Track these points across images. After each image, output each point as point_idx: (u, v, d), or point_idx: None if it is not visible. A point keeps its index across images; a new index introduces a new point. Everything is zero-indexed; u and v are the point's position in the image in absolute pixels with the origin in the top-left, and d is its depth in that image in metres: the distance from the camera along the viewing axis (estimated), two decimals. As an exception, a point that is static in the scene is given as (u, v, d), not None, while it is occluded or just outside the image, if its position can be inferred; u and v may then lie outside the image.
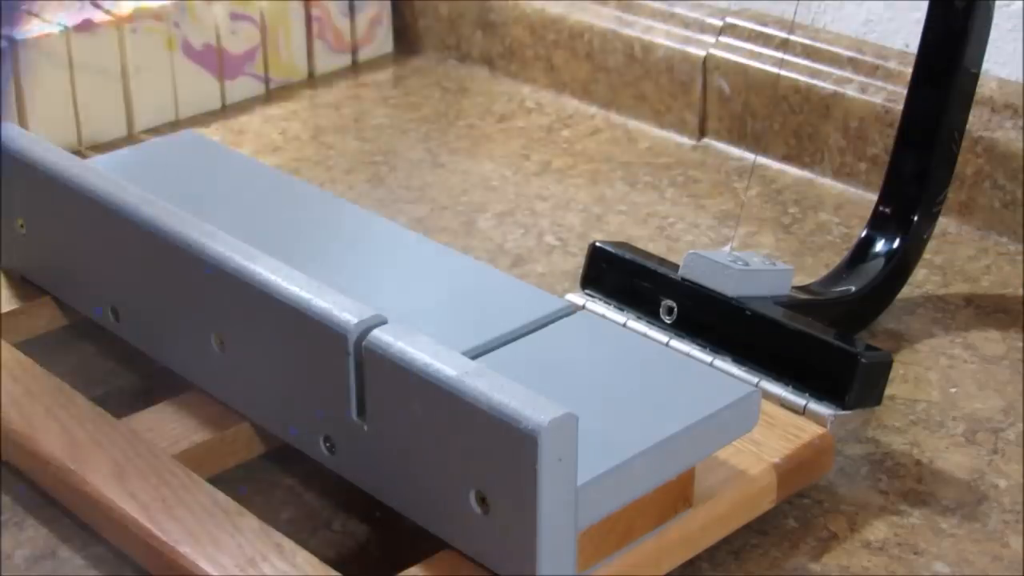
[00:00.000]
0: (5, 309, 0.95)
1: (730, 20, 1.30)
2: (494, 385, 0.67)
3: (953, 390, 0.95)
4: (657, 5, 1.35)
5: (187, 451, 0.82)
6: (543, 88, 1.43)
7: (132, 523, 0.75)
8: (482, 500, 0.69)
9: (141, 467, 0.79)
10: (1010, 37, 1.14)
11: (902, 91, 1.04)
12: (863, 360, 0.84)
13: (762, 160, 1.27)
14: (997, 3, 1.01)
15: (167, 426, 0.84)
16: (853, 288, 0.99)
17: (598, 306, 0.95)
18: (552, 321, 0.82)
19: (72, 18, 1.26)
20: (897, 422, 0.91)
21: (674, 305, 0.92)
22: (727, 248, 0.97)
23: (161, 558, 0.74)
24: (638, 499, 0.72)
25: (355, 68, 1.50)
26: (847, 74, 1.22)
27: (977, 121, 1.12)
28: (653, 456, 0.71)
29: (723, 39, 1.30)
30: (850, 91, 1.21)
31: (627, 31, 1.35)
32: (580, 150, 1.31)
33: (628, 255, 0.95)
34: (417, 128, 1.36)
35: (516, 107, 1.40)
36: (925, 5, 0.98)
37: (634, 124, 1.36)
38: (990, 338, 1.00)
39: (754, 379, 0.87)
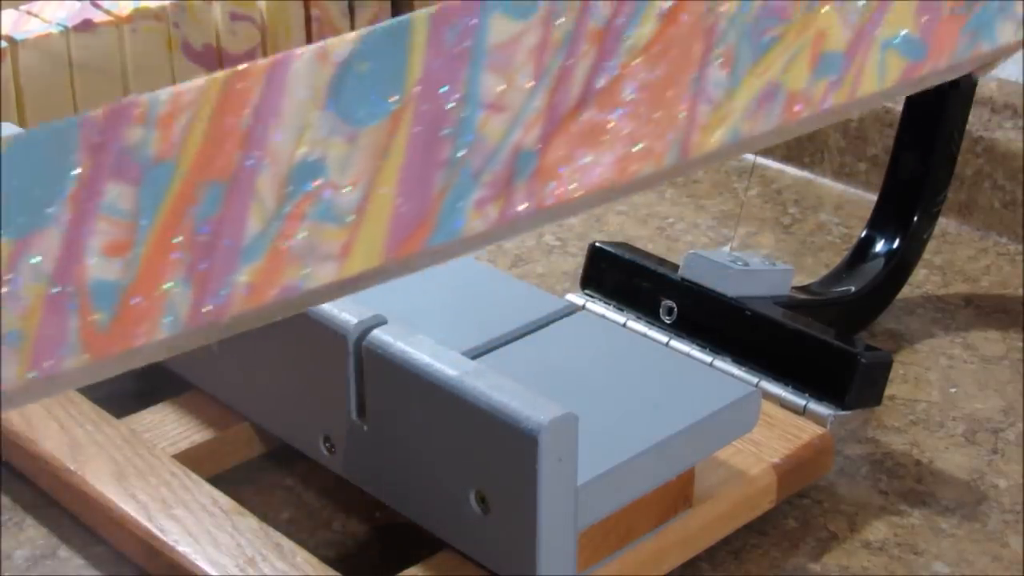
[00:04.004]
0: (5, 309, 0.95)
1: (730, 20, 1.30)
2: (494, 385, 0.67)
3: (953, 390, 0.95)
4: (657, 5, 1.35)
5: (187, 451, 0.82)
6: (543, 88, 1.43)
7: (132, 523, 0.75)
8: (482, 500, 0.68)
9: (141, 467, 0.79)
10: (1010, 37, 1.14)
11: (902, 91, 1.03)
12: (863, 360, 0.84)
13: (762, 160, 1.27)
14: (997, 3, 1.01)
15: (167, 426, 0.84)
16: (853, 288, 0.99)
17: (598, 306, 0.95)
18: (552, 321, 0.82)
19: (72, 18, 1.26)
20: (897, 422, 0.91)
21: (674, 305, 0.92)
22: (727, 248, 0.97)
23: (161, 558, 0.74)
24: (638, 499, 0.72)
25: (355, 68, 1.50)
26: (847, 74, 1.21)
27: (977, 121, 1.12)
28: (653, 456, 0.71)
29: (723, 39, 1.30)
30: (850, 91, 1.21)
31: (627, 31, 1.35)
32: (580, 150, 1.31)
33: (628, 255, 0.95)
34: (417, 128, 1.36)
35: (516, 107, 1.40)
36: (925, 5, 0.98)
37: (634, 124, 1.36)
38: (990, 338, 1.00)
39: (754, 379, 0.87)
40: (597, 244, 0.97)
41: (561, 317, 0.82)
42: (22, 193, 0.37)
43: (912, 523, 0.82)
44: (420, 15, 0.42)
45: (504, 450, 0.66)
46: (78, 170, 0.38)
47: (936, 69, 0.46)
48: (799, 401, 0.85)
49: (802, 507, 0.83)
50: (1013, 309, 1.04)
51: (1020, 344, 0.99)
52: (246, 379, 0.82)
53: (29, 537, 0.81)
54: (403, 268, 0.47)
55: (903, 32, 0.45)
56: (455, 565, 0.72)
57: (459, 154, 0.43)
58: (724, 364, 0.88)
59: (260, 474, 0.86)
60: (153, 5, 1.31)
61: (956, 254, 1.12)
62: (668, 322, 0.92)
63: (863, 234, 1.02)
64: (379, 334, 0.72)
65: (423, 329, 0.73)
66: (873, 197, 1.03)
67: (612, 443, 0.70)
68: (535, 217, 0.45)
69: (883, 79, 0.45)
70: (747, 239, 1.15)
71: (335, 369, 0.74)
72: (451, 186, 0.43)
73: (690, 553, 0.77)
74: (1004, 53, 0.49)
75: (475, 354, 0.77)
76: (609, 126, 0.44)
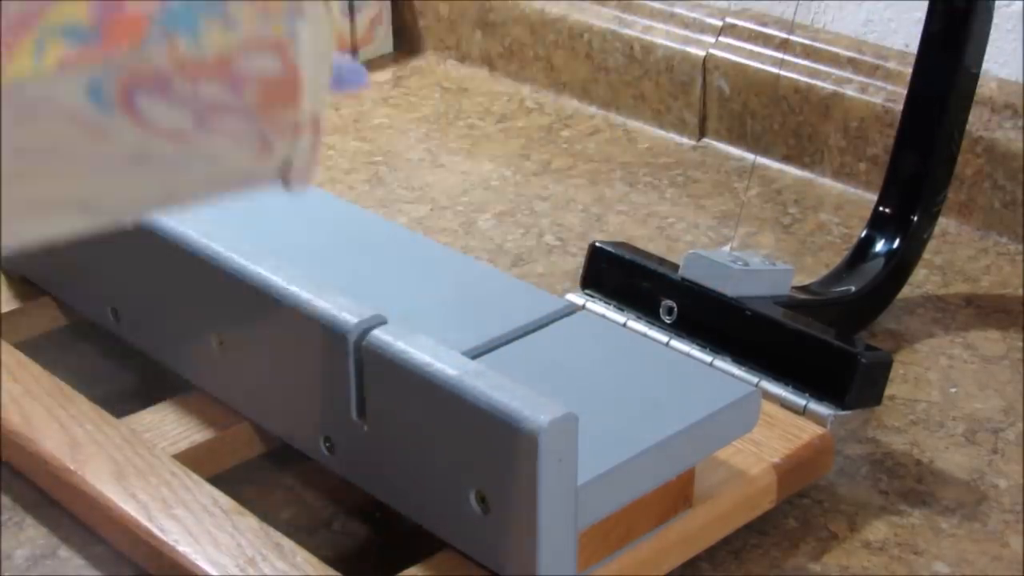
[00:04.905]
0: (5, 309, 0.95)
1: (730, 20, 1.30)
2: (494, 385, 0.67)
3: (953, 390, 0.95)
4: (657, 5, 1.35)
5: (187, 451, 0.82)
6: (543, 88, 1.43)
7: (132, 523, 0.75)
8: (482, 500, 0.68)
9: (141, 467, 0.79)
10: (1010, 37, 1.14)
11: (902, 91, 1.04)
12: (863, 360, 0.84)
13: (762, 160, 1.27)
14: (997, 3, 1.01)
15: (167, 426, 0.84)
16: (853, 288, 0.99)
17: (598, 306, 0.95)
18: (552, 321, 0.82)
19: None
20: (897, 422, 0.91)
21: (674, 305, 0.92)
22: (727, 248, 0.97)
23: (161, 558, 0.74)
24: (638, 499, 0.72)
25: (355, 68, 1.50)
26: (847, 74, 1.22)
27: (977, 121, 1.12)
28: (653, 456, 0.71)
29: (723, 39, 1.30)
30: (850, 91, 1.21)
31: (627, 31, 1.35)
32: (580, 150, 1.31)
33: (628, 255, 0.95)
34: (417, 128, 1.36)
35: (516, 107, 1.40)
36: (925, 5, 0.98)
37: (634, 124, 1.36)
38: (990, 338, 1.00)
39: (754, 379, 0.87)
40: (597, 244, 0.97)
41: (561, 317, 0.82)
42: None
43: (912, 523, 0.82)
44: None
45: (504, 450, 0.66)
46: None
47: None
48: (799, 401, 0.85)
49: (802, 507, 0.83)
50: (1013, 309, 1.04)
51: (1020, 344, 0.99)
52: (246, 379, 0.82)
53: (29, 537, 0.81)
54: None
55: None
56: (455, 565, 0.72)
57: None
58: (724, 364, 0.88)
59: (260, 474, 0.86)
60: (153, 5, 1.31)
61: (956, 254, 1.12)
62: (668, 322, 0.92)
63: (863, 234, 1.02)
64: (379, 334, 0.72)
65: (423, 329, 0.73)
66: (873, 197, 1.03)
67: (612, 443, 0.70)
68: None
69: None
70: (747, 239, 1.15)
71: (335, 369, 0.74)
72: None
73: (690, 553, 0.77)
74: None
75: (475, 354, 0.77)
76: None
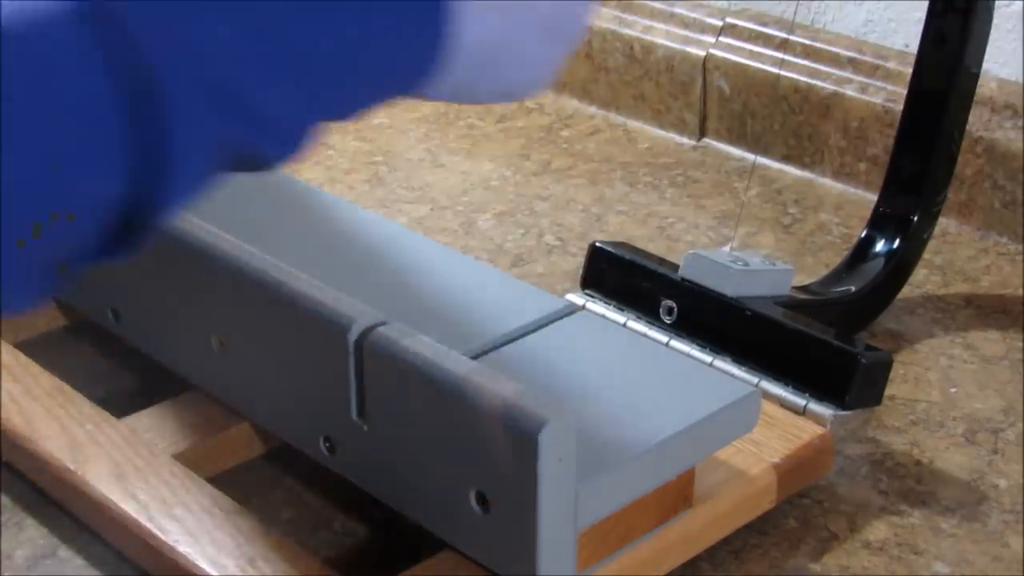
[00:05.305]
0: (5, 309, 0.95)
1: (730, 20, 1.30)
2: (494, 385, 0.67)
3: (953, 390, 0.95)
4: (657, 5, 1.35)
5: (187, 451, 0.82)
6: (543, 88, 1.43)
7: (132, 523, 0.75)
8: (482, 500, 0.68)
9: (141, 467, 0.79)
10: (1010, 37, 1.14)
11: (902, 91, 1.04)
12: (863, 360, 0.84)
13: (762, 160, 1.27)
14: (997, 3, 1.01)
15: (167, 426, 0.84)
16: (853, 288, 0.99)
17: (598, 306, 0.95)
18: (552, 321, 0.81)
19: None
20: (897, 422, 0.91)
21: (674, 305, 0.92)
22: (727, 248, 0.97)
23: (161, 558, 0.74)
24: (638, 499, 0.72)
25: (355, 68, 1.50)
26: (847, 74, 1.22)
27: (977, 121, 1.12)
28: (653, 456, 0.71)
29: (723, 39, 1.30)
30: (850, 91, 1.21)
31: (627, 31, 1.35)
32: (580, 150, 1.31)
33: (628, 255, 0.95)
34: (417, 128, 1.36)
35: (516, 107, 1.40)
36: (925, 5, 0.98)
37: (634, 124, 1.36)
38: (990, 338, 1.00)
39: (754, 379, 0.87)
40: (597, 244, 0.97)
41: (561, 317, 0.82)
42: None
43: (912, 523, 0.82)
44: None
45: (504, 450, 0.66)
46: None
47: None
48: (799, 401, 0.85)
49: (802, 507, 0.83)
50: (1013, 309, 1.04)
51: (1020, 344, 1.00)
52: (246, 379, 0.82)
53: (29, 537, 0.81)
54: None
55: None
56: (455, 565, 0.72)
57: None
58: (724, 364, 0.88)
59: (260, 474, 0.86)
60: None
61: (956, 254, 1.12)
62: (668, 322, 0.92)
63: (863, 234, 1.02)
64: (379, 334, 0.72)
65: (423, 329, 0.73)
66: (873, 197, 1.03)
67: (612, 443, 0.70)
68: None
69: None
70: (747, 239, 1.15)
71: (335, 369, 0.74)
72: None
73: (690, 553, 0.77)
74: None
75: (475, 354, 0.77)
76: None
